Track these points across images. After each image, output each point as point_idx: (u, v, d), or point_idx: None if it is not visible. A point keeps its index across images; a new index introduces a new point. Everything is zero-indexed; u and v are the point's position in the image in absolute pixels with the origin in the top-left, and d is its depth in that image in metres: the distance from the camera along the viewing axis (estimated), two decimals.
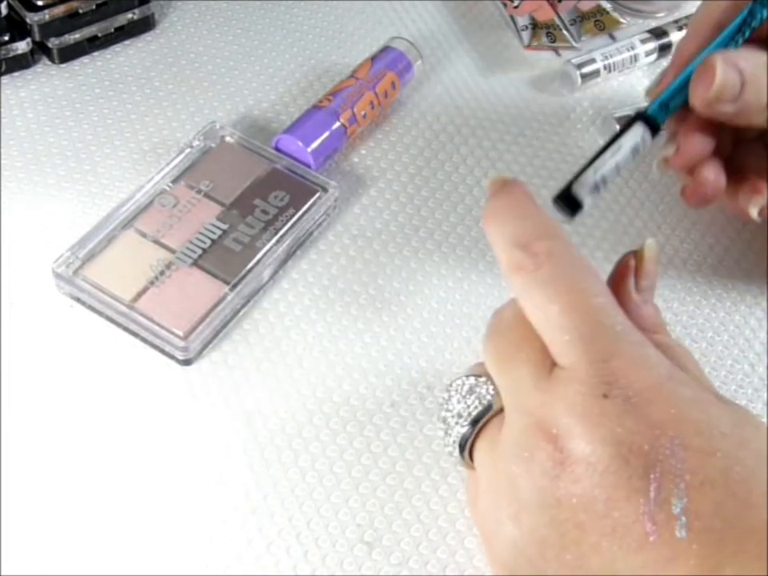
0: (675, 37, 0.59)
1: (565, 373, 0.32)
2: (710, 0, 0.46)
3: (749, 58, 0.43)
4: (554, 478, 0.31)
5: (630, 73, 0.58)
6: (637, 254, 0.37)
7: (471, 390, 0.36)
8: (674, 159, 0.45)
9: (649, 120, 0.42)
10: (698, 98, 0.43)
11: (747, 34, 0.43)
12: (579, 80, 0.56)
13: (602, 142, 0.42)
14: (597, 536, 0.30)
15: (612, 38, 0.60)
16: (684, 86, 0.43)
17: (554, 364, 0.33)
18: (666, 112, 0.42)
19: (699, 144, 0.45)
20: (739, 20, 0.43)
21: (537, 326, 0.33)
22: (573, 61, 0.57)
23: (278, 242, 0.47)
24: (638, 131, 0.41)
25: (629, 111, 0.54)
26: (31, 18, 0.53)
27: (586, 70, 0.57)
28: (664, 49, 0.59)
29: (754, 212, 0.46)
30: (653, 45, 0.58)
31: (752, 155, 0.46)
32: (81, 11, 0.54)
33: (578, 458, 0.31)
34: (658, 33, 0.59)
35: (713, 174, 0.45)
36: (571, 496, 0.31)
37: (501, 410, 0.35)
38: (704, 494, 0.30)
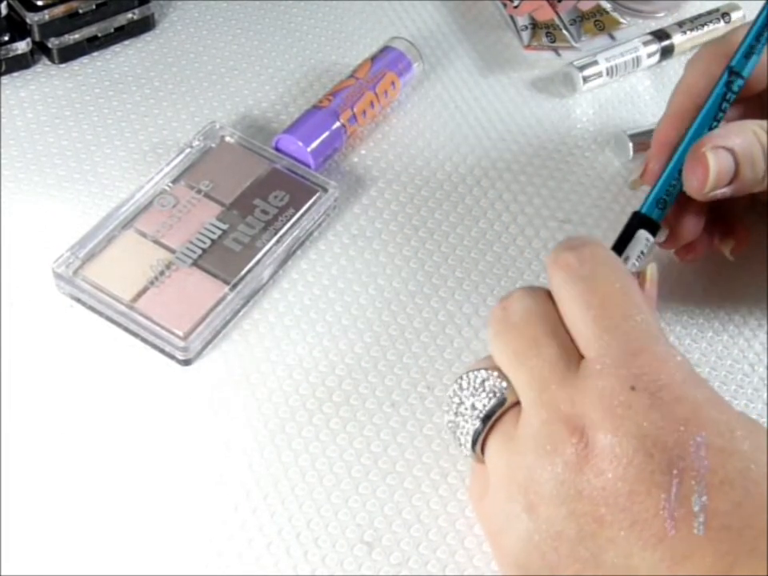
0: (677, 39, 0.59)
1: (593, 365, 0.33)
2: (686, 82, 0.46)
3: (737, 133, 0.42)
4: (577, 471, 0.31)
5: (632, 75, 0.58)
6: (640, 275, 0.38)
7: (483, 384, 0.36)
8: (666, 244, 0.45)
9: (646, 222, 0.41)
10: (693, 191, 0.42)
11: (726, 107, 0.42)
12: (581, 82, 0.56)
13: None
14: (615, 530, 0.31)
15: (612, 37, 0.60)
16: (675, 177, 0.42)
17: (579, 358, 0.34)
18: (662, 208, 0.41)
19: (693, 227, 0.45)
20: (717, 96, 0.42)
21: (569, 317, 0.35)
22: (575, 63, 0.57)
23: (277, 241, 0.47)
24: (641, 239, 0.41)
25: (640, 129, 0.54)
26: (31, 18, 0.53)
27: (588, 72, 0.57)
28: (666, 51, 0.58)
29: (726, 252, 0.47)
30: (655, 47, 0.58)
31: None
32: (81, 11, 0.54)
33: (602, 450, 0.31)
34: (661, 35, 0.59)
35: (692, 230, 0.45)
36: (593, 489, 0.31)
37: (514, 404, 0.35)
38: (723, 493, 0.30)
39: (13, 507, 0.38)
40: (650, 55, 0.58)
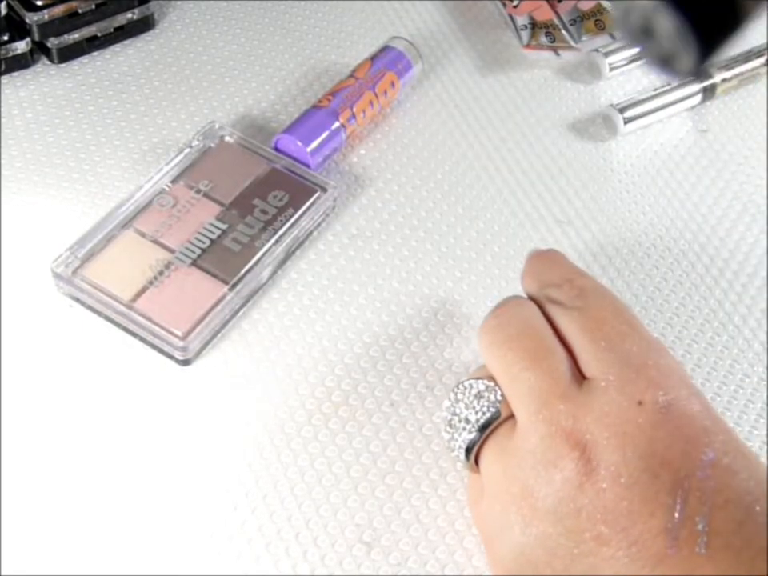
0: (719, 76, 0.57)
1: (597, 383, 0.32)
2: None
3: None
4: (577, 488, 0.31)
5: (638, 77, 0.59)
6: None
7: (479, 395, 0.35)
8: None
9: None
10: None
11: None
12: (622, 124, 0.54)
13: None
14: (614, 549, 0.30)
15: (612, 37, 0.60)
16: None
17: (581, 376, 0.33)
18: None
19: None
20: None
21: (568, 338, 0.34)
22: (615, 104, 0.55)
23: (277, 241, 0.47)
24: None
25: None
26: (30, 18, 0.53)
27: (629, 114, 0.55)
28: (708, 91, 0.57)
29: None
30: (697, 87, 0.56)
31: None
32: (80, 11, 0.54)
33: (606, 468, 0.30)
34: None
35: None
36: (593, 507, 0.30)
37: (509, 417, 0.34)
38: (727, 512, 0.30)
39: (13, 507, 0.38)
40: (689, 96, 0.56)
